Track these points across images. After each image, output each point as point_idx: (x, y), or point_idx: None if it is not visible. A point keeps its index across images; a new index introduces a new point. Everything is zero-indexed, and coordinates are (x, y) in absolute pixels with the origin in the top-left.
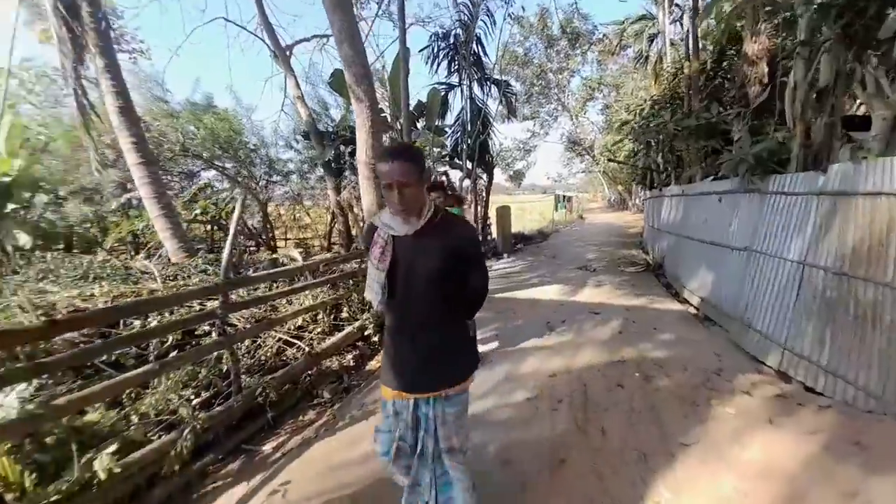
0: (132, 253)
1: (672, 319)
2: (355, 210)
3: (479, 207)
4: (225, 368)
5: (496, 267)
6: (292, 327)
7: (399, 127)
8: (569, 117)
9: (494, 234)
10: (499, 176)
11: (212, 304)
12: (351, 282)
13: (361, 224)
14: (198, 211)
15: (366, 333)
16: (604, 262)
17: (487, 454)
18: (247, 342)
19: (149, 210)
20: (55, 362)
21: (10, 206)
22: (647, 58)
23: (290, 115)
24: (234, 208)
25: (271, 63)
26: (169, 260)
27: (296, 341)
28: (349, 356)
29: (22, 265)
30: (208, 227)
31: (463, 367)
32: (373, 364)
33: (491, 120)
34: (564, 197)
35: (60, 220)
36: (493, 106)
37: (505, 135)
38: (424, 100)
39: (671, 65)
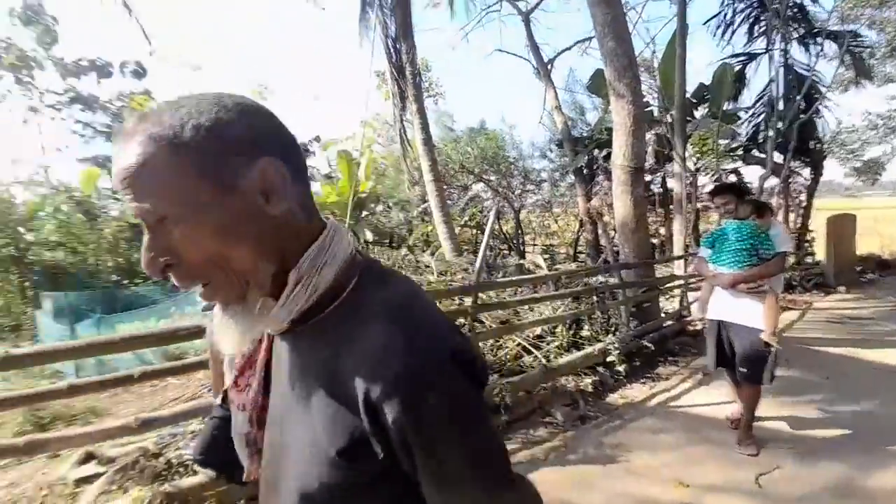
0: (423, 250)
1: None
2: (605, 218)
3: (790, 216)
4: None
5: (821, 305)
6: (530, 335)
7: (669, 120)
8: None
9: (822, 257)
10: (834, 170)
11: (467, 302)
12: (595, 298)
13: (612, 234)
14: (466, 218)
15: (608, 359)
16: None
17: None
18: (490, 341)
19: (434, 217)
20: None
21: (364, 213)
22: None
23: (546, 127)
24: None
25: (534, 80)
26: (444, 258)
27: (533, 350)
28: (587, 380)
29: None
30: (474, 231)
31: None
32: (615, 398)
33: (822, 90)
34: None
35: (388, 222)
36: (828, 71)
37: (847, 109)
38: (708, 81)
39: None
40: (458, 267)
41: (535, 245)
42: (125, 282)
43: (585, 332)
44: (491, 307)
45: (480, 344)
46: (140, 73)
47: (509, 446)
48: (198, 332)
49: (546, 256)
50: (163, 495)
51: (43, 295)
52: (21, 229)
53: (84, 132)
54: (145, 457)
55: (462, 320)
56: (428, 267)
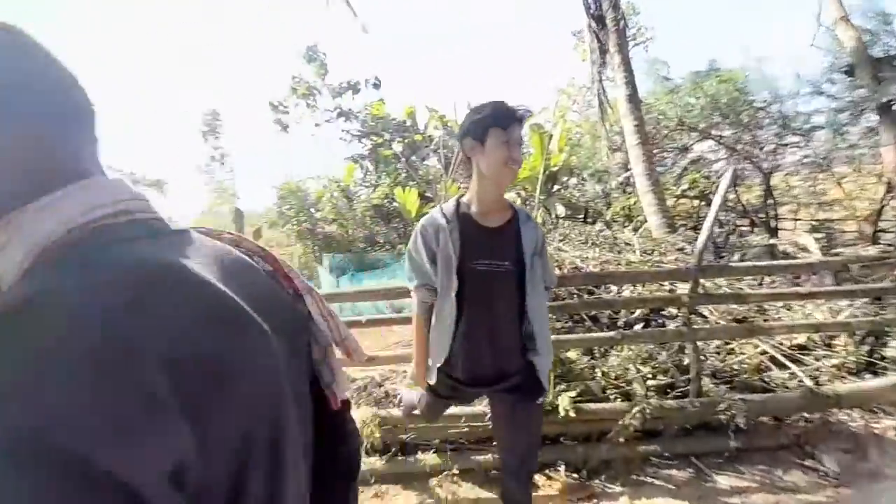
0: (624, 225)
1: None
2: None
3: None
4: (686, 361)
5: None
6: (784, 343)
7: None
8: None
9: None
10: None
11: (681, 288)
12: None
13: None
14: (685, 186)
15: None
16: None
17: None
18: (716, 342)
19: (638, 187)
20: (556, 306)
21: (555, 187)
22: None
23: (823, 50)
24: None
25: None
26: (651, 234)
27: (790, 364)
28: (890, 422)
29: (551, 229)
30: (695, 202)
31: None
32: None
33: None
34: None
35: (582, 196)
36: None
37: None
38: None
39: None
40: (670, 245)
41: (796, 220)
42: (369, 248)
43: (892, 352)
44: (718, 298)
45: (701, 344)
46: (377, 85)
47: (738, 482)
48: (407, 291)
49: (819, 236)
50: (378, 418)
51: (323, 256)
52: (312, 210)
53: (345, 137)
54: (372, 384)
55: (674, 310)
56: (629, 244)
